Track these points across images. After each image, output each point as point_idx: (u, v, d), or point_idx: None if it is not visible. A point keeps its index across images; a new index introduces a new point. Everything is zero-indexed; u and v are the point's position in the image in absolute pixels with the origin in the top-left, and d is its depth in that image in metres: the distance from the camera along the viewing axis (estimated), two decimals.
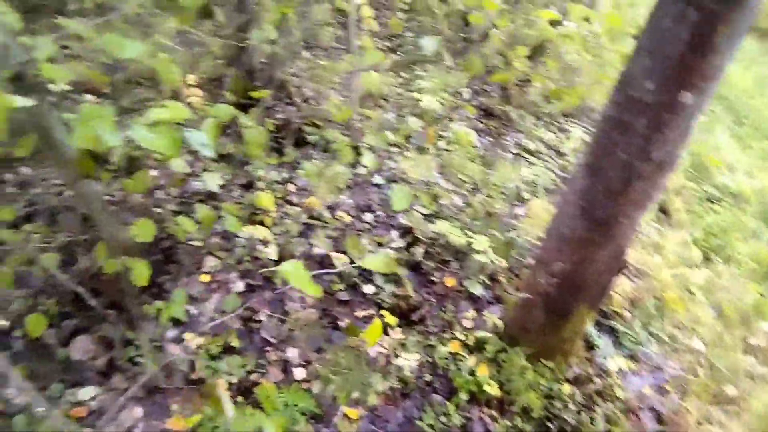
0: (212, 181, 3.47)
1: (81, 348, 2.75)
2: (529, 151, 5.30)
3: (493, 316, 3.25)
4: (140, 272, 2.53)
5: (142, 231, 2.29)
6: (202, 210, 2.69)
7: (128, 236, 2.79)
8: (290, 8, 4.04)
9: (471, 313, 3.35)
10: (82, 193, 2.50)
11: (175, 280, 3.08)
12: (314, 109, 4.69)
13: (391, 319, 3.11)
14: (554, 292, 2.76)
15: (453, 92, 5.61)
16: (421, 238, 3.74)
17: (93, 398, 2.59)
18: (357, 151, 4.07)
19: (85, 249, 2.94)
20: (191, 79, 4.03)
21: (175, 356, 2.76)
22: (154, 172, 3.69)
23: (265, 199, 3.40)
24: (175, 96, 3.84)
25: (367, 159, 3.65)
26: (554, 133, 5.75)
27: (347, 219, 3.83)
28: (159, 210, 3.39)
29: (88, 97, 3.96)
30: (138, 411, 2.59)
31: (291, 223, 3.56)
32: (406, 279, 3.39)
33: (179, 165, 2.59)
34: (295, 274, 1.58)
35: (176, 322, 2.91)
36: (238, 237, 3.41)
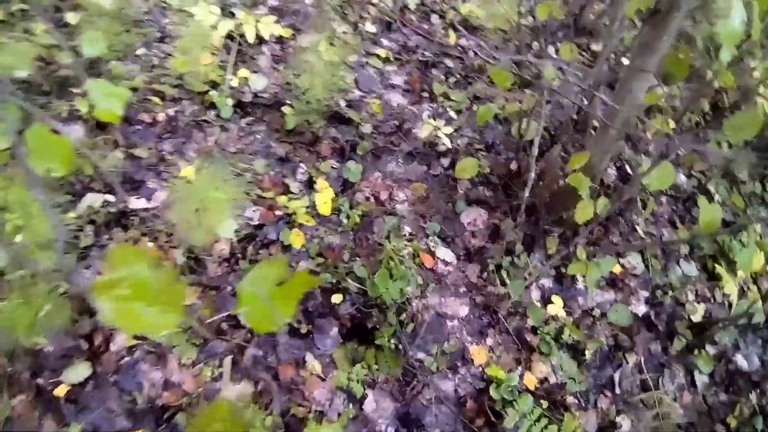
0: None
1: (471, 215, 2.51)
2: None
3: None
4: (586, 212, 2.05)
5: (658, 178, 1.74)
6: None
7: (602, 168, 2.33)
8: None
9: None
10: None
11: (598, 246, 2.55)
12: None
13: None
14: None
15: None
16: None
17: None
18: None
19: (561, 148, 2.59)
20: None
21: (531, 303, 2.31)
22: None
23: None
24: None
25: None
26: None
27: None
28: None
29: None
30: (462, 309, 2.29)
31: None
32: None
33: None
34: None
35: (559, 278, 2.42)
36: (689, 274, 2.65)
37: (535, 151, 1.97)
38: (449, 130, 2.64)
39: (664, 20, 1.68)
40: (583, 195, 2.05)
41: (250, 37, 2.90)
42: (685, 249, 2.69)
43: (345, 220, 2.40)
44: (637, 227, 2.61)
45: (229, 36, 2.89)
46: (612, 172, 2.74)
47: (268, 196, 2.45)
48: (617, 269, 2.48)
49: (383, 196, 2.52)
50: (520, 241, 2.40)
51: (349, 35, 3.14)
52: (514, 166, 2.56)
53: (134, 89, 2.68)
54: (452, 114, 2.84)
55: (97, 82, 1.32)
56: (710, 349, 2.49)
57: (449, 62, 3.09)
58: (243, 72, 2.83)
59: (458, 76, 3.03)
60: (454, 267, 2.38)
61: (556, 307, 2.31)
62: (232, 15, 3.01)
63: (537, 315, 2.23)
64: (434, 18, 3.31)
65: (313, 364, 2.06)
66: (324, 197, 2.32)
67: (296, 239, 2.24)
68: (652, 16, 1.74)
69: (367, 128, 2.66)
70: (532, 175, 2.02)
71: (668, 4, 1.70)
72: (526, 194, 2.11)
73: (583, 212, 2.04)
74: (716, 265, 2.61)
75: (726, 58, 1.49)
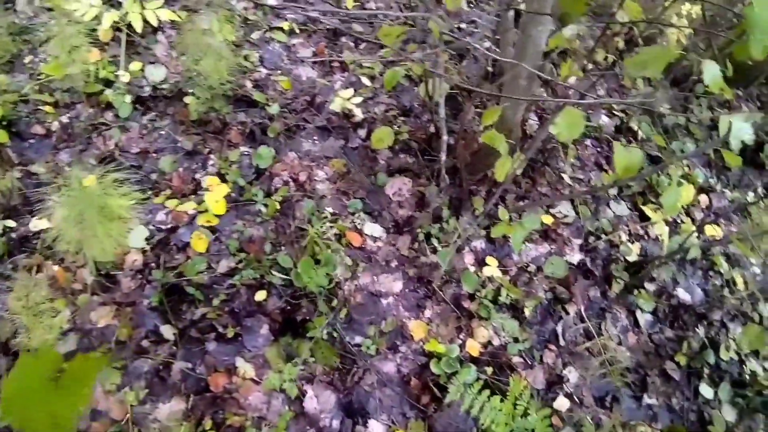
0: None
1: (395, 186, 2.41)
2: None
3: None
4: (506, 169, 1.97)
5: (566, 127, 1.65)
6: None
7: (518, 121, 2.25)
8: None
9: None
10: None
11: (528, 199, 2.49)
12: None
13: None
14: None
15: None
16: None
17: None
18: None
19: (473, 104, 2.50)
20: None
21: (465, 268, 2.25)
22: None
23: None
24: None
25: None
26: None
27: None
28: None
29: None
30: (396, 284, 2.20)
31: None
32: None
33: None
34: None
35: (491, 238, 2.36)
36: (620, 215, 2.63)
37: (442, 111, 1.87)
38: (362, 99, 2.51)
39: None
40: (501, 151, 1.97)
41: (138, 27, 2.68)
42: (613, 190, 2.67)
43: (263, 209, 2.27)
44: (563, 175, 2.57)
45: (117, 28, 2.66)
46: (534, 122, 2.68)
47: (178, 196, 2.29)
48: (549, 220, 2.44)
49: (302, 177, 2.39)
50: (447, 206, 2.32)
51: (250, 11, 2.95)
52: (432, 129, 2.47)
53: (24, 101, 2.45)
54: (366, 81, 2.71)
55: None
56: (650, 287, 2.49)
57: (358, 28, 2.94)
58: (137, 65, 2.62)
59: (368, 41, 2.88)
60: (384, 242, 2.29)
61: (492, 268, 2.26)
62: (119, 5, 2.76)
63: (470, 280, 2.17)
64: None
65: (245, 369, 1.95)
66: (216, 196, 2.17)
67: (198, 243, 2.09)
68: None
69: (275, 108, 2.51)
70: (445, 137, 1.93)
71: None
72: (443, 157, 2.02)
73: (503, 169, 1.96)
74: (643, 206, 2.60)
75: None
